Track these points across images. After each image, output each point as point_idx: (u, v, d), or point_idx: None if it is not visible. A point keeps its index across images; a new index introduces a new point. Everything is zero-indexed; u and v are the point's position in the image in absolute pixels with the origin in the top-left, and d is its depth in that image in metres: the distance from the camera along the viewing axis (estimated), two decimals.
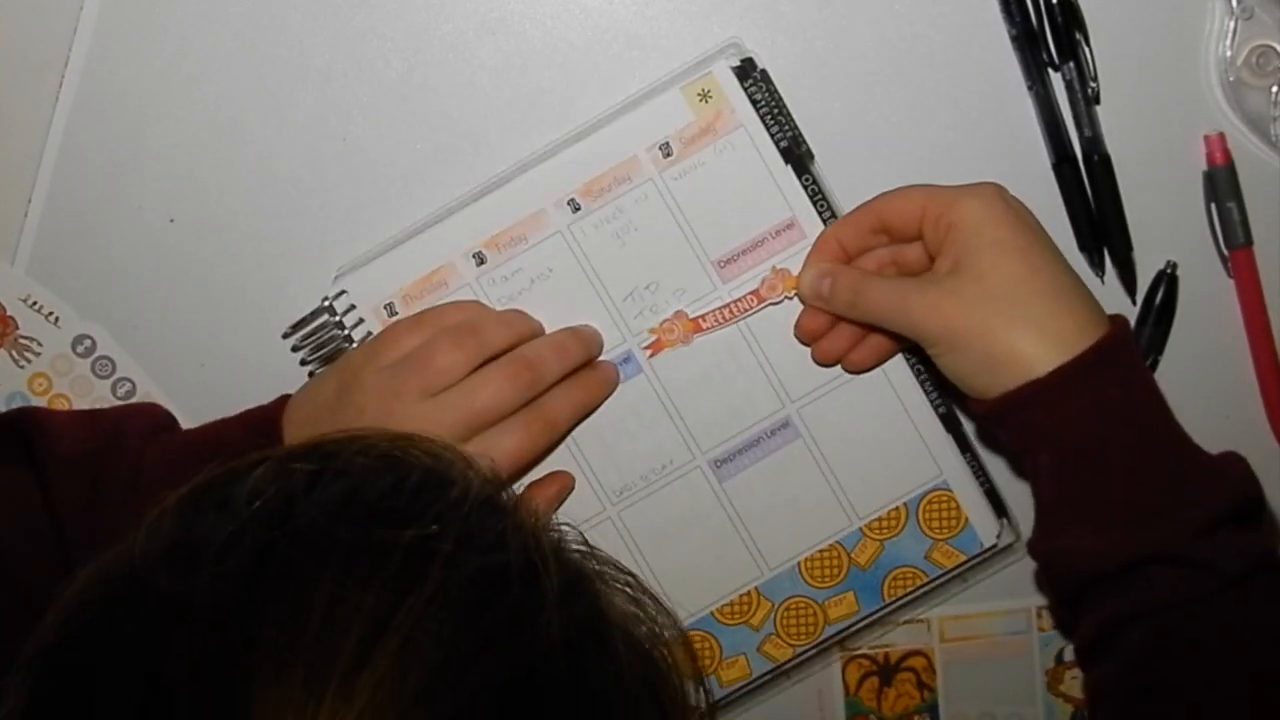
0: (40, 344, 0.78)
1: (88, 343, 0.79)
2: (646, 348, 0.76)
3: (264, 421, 0.74)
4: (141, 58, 0.76)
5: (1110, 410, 0.67)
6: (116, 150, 0.77)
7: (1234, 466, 0.69)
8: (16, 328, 0.78)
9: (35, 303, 0.78)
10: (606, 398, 0.77)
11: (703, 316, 0.76)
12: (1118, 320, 0.69)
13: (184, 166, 0.77)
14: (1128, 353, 0.69)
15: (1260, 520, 0.70)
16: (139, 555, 0.53)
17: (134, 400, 0.80)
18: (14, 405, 0.79)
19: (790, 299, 0.76)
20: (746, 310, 0.76)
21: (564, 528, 0.58)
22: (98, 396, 0.80)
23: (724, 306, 0.76)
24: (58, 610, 0.54)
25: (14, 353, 0.78)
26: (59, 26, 0.76)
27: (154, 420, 0.77)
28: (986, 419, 0.71)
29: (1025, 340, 0.67)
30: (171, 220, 0.77)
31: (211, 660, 0.49)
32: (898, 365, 0.77)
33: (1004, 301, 0.68)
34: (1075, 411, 0.67)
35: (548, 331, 0.76)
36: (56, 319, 0.78)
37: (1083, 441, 0.67)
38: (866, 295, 0.72)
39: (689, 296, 0.76)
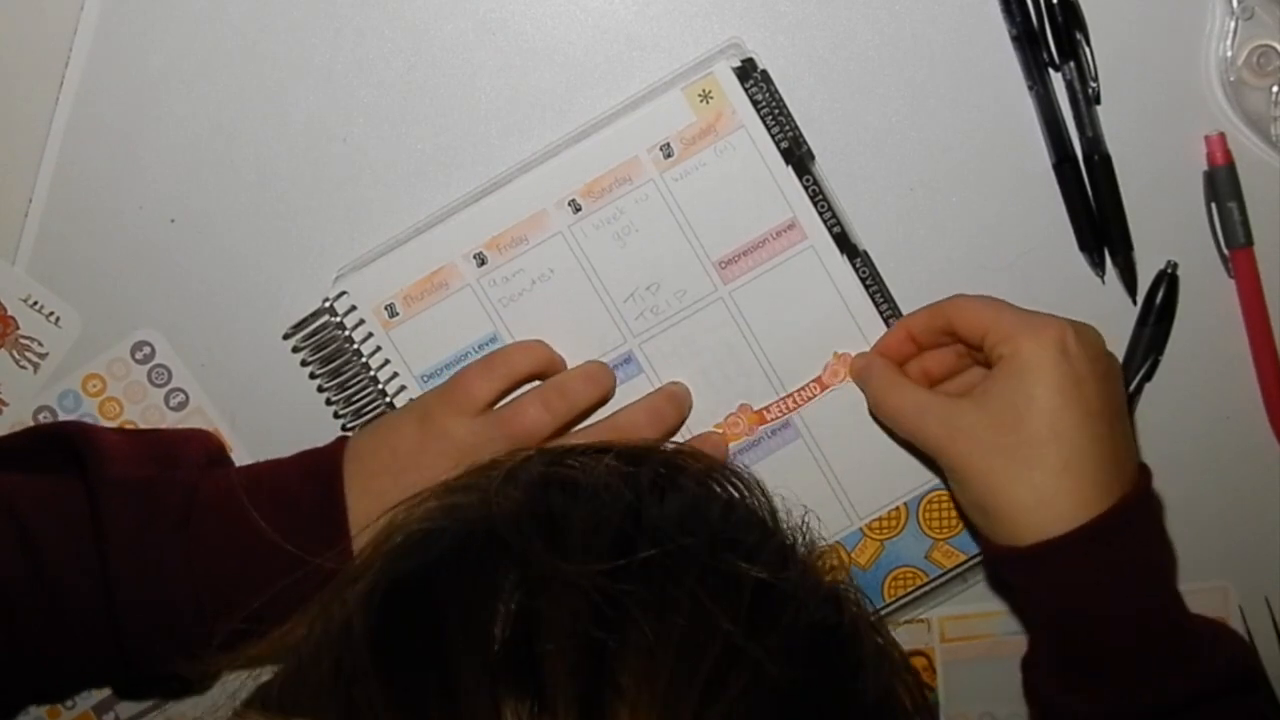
0: (40, 344, 0.78)
1: (147, 349, 0.79)
2: None
3: (323, 465, 0.73)
4: (141, 58, 0.76)
5: (1096, 585, 0.67)
6: (116, 150, 0.77)
7: (1228, 644, 0.71)
8: (17, 328, 0.78)
9: (35, 303, 0.78)
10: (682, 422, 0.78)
11: (766, 409, 0.77)
12: (1137, 485, 0.69)
13: (184, 166, 0.77)
14: (1126, 525, 0.68)
15: (1258, 686, 0.70)
16: (495, 510, 0.54)
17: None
18: (67, 403, 0.79)
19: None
20: (810, 398, 0.77)
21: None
22: (150, 403, 0.80)
23: (788, 396, 0.77)
24: (404, 541, 0.55)
25: (14, 353, 0.78)
26: (59, 26, 0.76)
27: (208, 451, 0.77)
28: (986, 561, 0.75)
29: (1022, 503, 0.67)
30: (172, 220, 0.77)
31: (581, 641, 0.49)
32: None
33: (1014, 459, 0.67)
34: (1059, 582, 0.67)
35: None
36: (57, 319, 0.78)
37: (1066, 610, 0.68)
38: (890, 398, 0.73)
39: (690, 297, 0.76)
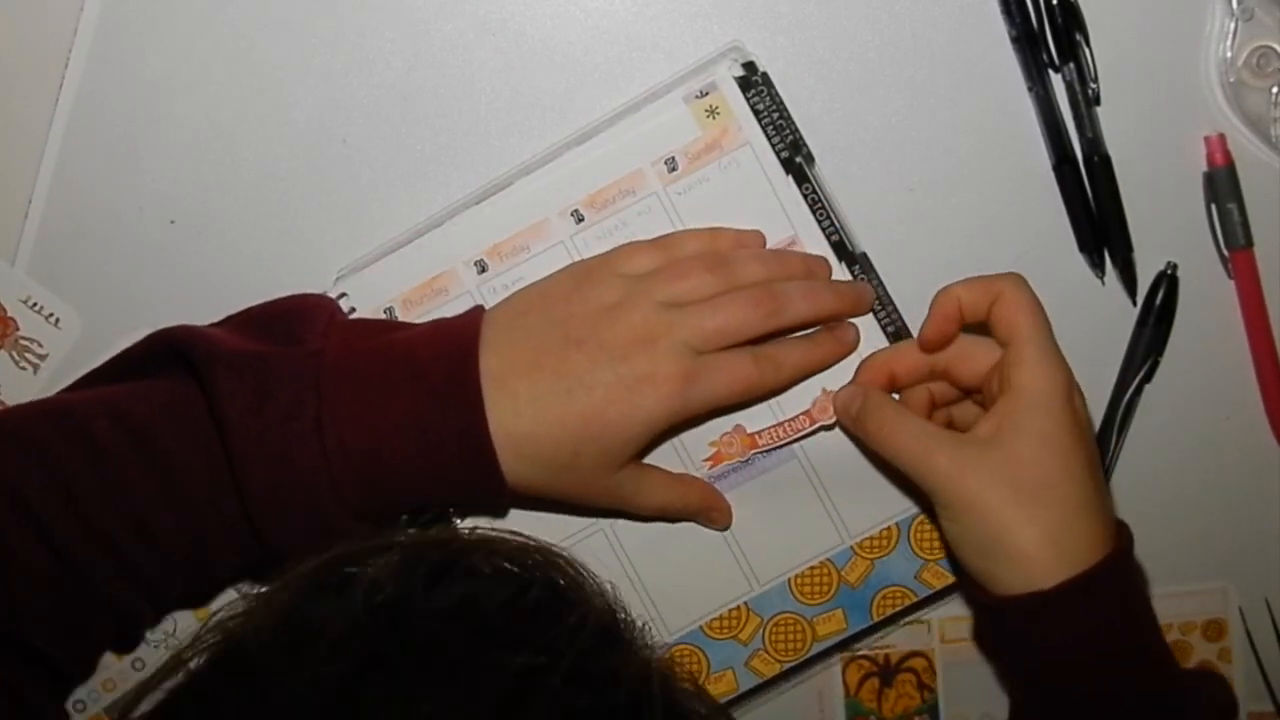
0: (40, 344, 0.78)
1: None
2: (707, 460, 0.77)
3: (455, 332, 0.70)
4: (141, 58, 0.76)
5: (1102, 632, 0.67)
6: (116, 150, 0.77)
7: (1215, 692, 0.73)
8: (17, 328, 0.78)
9: (35, 303, 0.78)
10: (841, 360, 0.75)
11: (759, 433, 0.76)
12: (1121, 537, 0.69)
13: (184, 167, 0.77)
14: (1126, 572, 0.69)
15: None
16: (246, 629, 0.53)
17: None
18: None
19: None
20: (800, 430, 0.76)
21: (674, 663, 0.57)
22: None
23: (778, 425, 0.76)
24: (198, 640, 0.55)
25: (14, 353, 0.78)
26: (59, 26, 0.76)
27: (328, 314, 0.73)
28: (984, 612, 0.72)
29: (1035, 544, 0.66)
30: (172, 221, 0.77)
31: None
32: None
33: (1029, 497, 0.66)
34: (1070, 630, 0.67)
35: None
36: (57, 320, 0.78)
37: (1072, 659, 0.68)
38: (893, 432, 0.70)
39: None
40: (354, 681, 0.49)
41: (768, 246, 0.75)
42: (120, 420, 0.68)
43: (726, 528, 0.77)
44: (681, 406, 0.69)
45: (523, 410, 0.68)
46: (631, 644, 0.56)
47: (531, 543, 0.58)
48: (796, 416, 0.76)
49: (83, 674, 0.73)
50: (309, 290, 0.76)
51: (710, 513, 0.76)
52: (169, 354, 0.71)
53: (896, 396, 0.75)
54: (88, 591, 0.67)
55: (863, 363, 0.75)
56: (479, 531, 0.59)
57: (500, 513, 0.76)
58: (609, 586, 0.57)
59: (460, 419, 0.68)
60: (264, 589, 0.57)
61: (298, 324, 0.71)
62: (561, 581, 0.56)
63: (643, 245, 0.74)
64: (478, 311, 0.72)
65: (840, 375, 0.76)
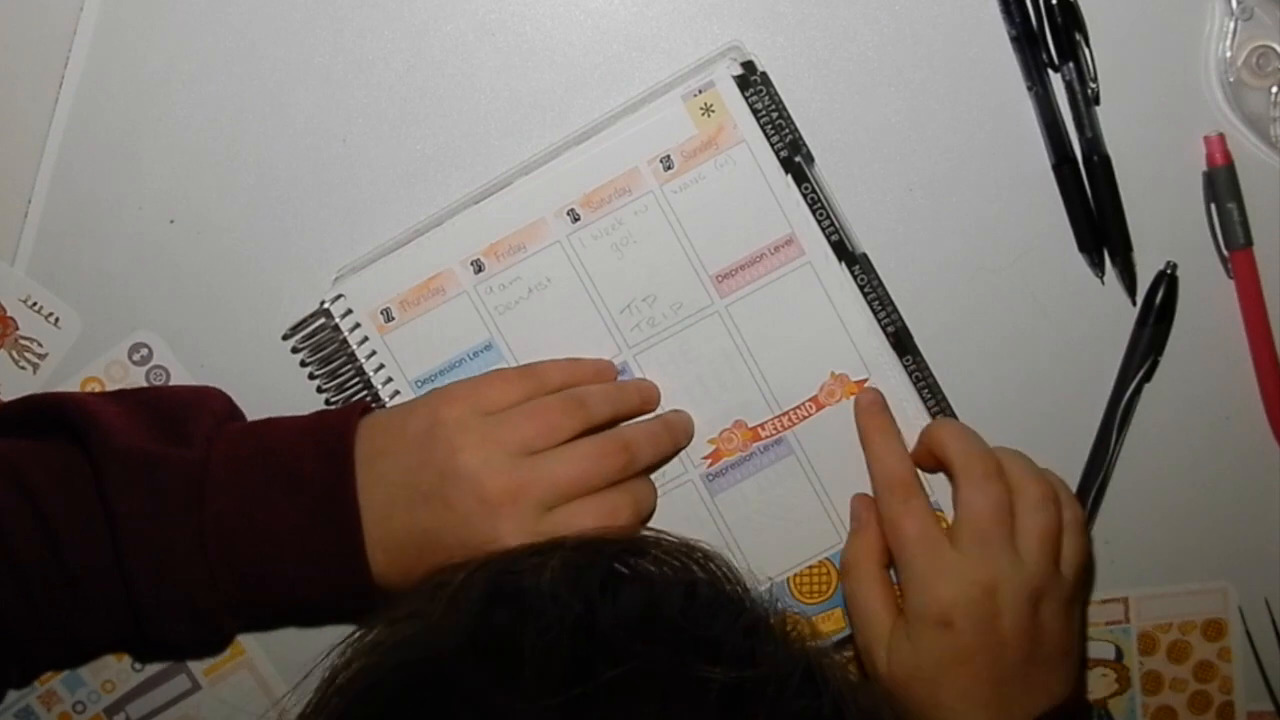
0: (40, 344, 0.78)
1: (144, 350, 0.78)
2: (706, 457, 0.77)
3: (335, 440, 0.72)
4: (141, 58, 0.76)
5: None
6: (116, 150, 0.77)
7: None
8: (16, 328, 0.78)
9: (35, 303, 0.78)
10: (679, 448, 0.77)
11: (761, 425, 0.77)
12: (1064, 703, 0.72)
13: (184, 166, 0.77)
14: None
15: None
16: (440, 642, 0.53)
17: None
18: None
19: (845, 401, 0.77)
20: (805, 416, 0.76)
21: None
22: None
23: (782, 415, 0.76)
24: (348, 685, 0.54)
25: (14, 353, 0.78)
26: (59, 26, 0.76)
27: (216, 416, 0.75)
28: None
29: None
30: (172, 221, 0.77)
31: None
32: (891, 382, 0.77)
33: (930, 710, 0.70)
34: None
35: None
36: (57, 319, 0.78)
37: None
38: (854, 583, 0.75)
39: (686, 310, 0.76)
40: (573, 701, 0.49)
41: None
42: (13, 478, 0.70)
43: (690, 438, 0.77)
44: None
45: (380, 546, 0.70)
46: (789, 636, 0.56)
47: (680, 539, 0.58)
48: (803, 404, 0.76)
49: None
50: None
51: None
52: (52, 421, 0.72)
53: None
54: None
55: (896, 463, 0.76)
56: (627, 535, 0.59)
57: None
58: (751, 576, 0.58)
59: (339, 535, 0.70)
60: (413, 610, 0.56)
61: (188, 420, 0.73)
62: (719, 574, 0.57)
63: (509, 376, 0.74)
64: (354, 416, 0.73)
65: (849, 360, 0.76)
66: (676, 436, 0.76)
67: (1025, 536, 0.72)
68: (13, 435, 0.72)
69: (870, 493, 0.76)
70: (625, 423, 0.75)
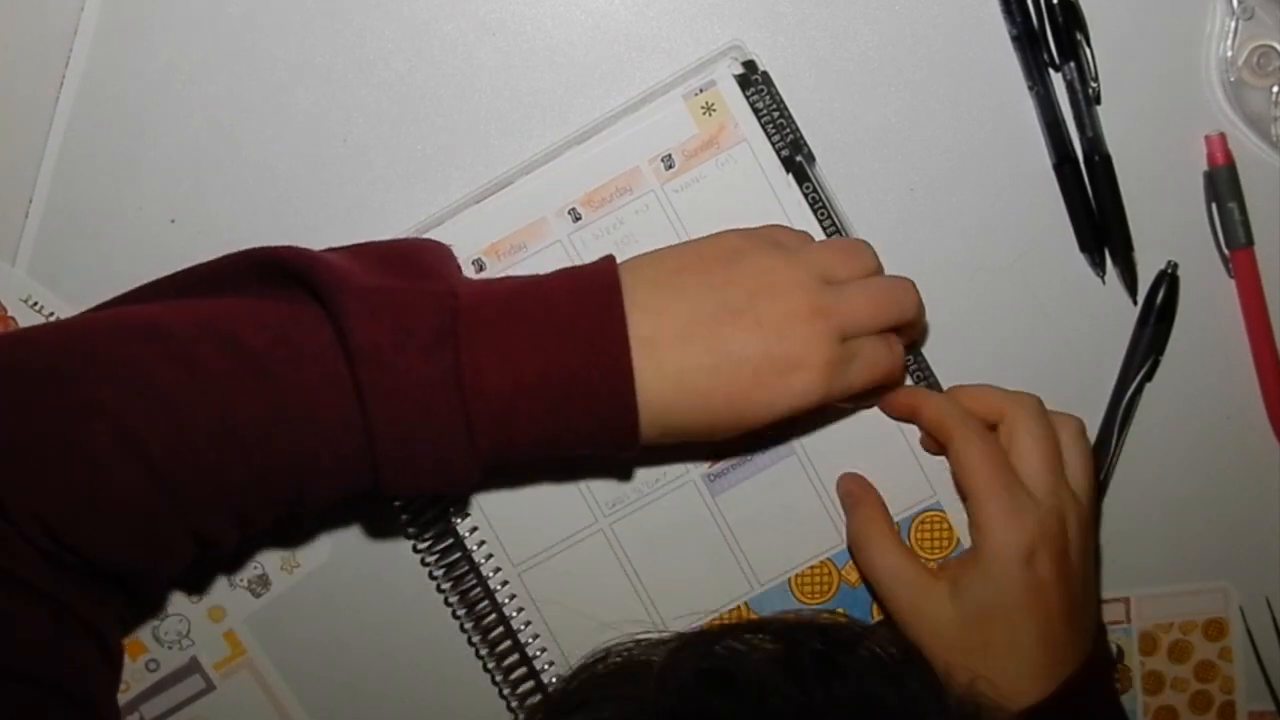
0: None
1: None
2: (707, 458, 0.77)
3: (595, 279, 0.67)
4: (142, 58, 0.76)
5: None
6: (116, 150, 0.77)
7: None
8: (16, 328, 0.78)
9: (35, 303, 0.78)
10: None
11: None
12: (1096, 651, 0.71)
13: (184, 166, 0.77)
14: (1095, 687, 0.72)
15: None
16: None
17: None
18: None
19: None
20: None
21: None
22: None
23: None
24: None
25: None
26: (59, 26, 0.76)
27: (452, 257, 0.71)
28: None
29: (974, 692, 0.67)
30: (172, 221, 0.77)
31: None
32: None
33: (973, 658, 0.68)
34: None
35: None
36: (57, 319, 0.78)
37: None
38: (868, 554, 0.73)
39: None
40: None
41: None
42: (230, 345, 0.63)
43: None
44: (825, 394, 0.68)
45: (667, 379, 0.66)
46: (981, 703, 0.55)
47: (899, 637, 0.58)
48: None
49: (152, 599, 0.71)
50: None
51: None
52: (272, 275, 0.66)
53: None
54: (180, 514, 0.63)
55: (900, 392, 0.75)
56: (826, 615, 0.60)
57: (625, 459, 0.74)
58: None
59: (605, 380, 0.65)
60: (618, 692, 0.54)
61: (428, 262, 0.68)
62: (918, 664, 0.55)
63: (787, 228, 0.73)
64: (611, 262, 0.68)
65: None
66: (920, 309, 0.73)
67: (1074, 471, 0.72)
68: (229, 293, 0.66)
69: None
70: None
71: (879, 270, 0.71)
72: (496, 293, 0.66)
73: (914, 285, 0.71)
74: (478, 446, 0.65)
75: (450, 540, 0.77)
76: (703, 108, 0.74)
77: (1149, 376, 0.79)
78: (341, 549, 0.80)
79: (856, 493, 0.76)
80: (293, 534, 0.79)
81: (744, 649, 0.53)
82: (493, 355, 0.64)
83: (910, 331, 0.74)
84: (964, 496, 0.71)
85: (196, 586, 0.80)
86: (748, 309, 0.66)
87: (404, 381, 0.62)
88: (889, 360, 0.70)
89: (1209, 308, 0.79)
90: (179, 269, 0.69)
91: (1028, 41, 0.76)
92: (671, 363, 0.66)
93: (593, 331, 0.65)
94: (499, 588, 0.77)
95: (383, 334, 0.62)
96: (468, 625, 0.78)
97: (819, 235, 0.75)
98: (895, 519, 0.77)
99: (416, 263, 0.68)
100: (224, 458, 0.62)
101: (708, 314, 0.66)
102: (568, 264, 0.71)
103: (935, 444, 0.75)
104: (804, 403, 0.67)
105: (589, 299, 0.66)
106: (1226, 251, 0.78)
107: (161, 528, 0.63)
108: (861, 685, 0.52)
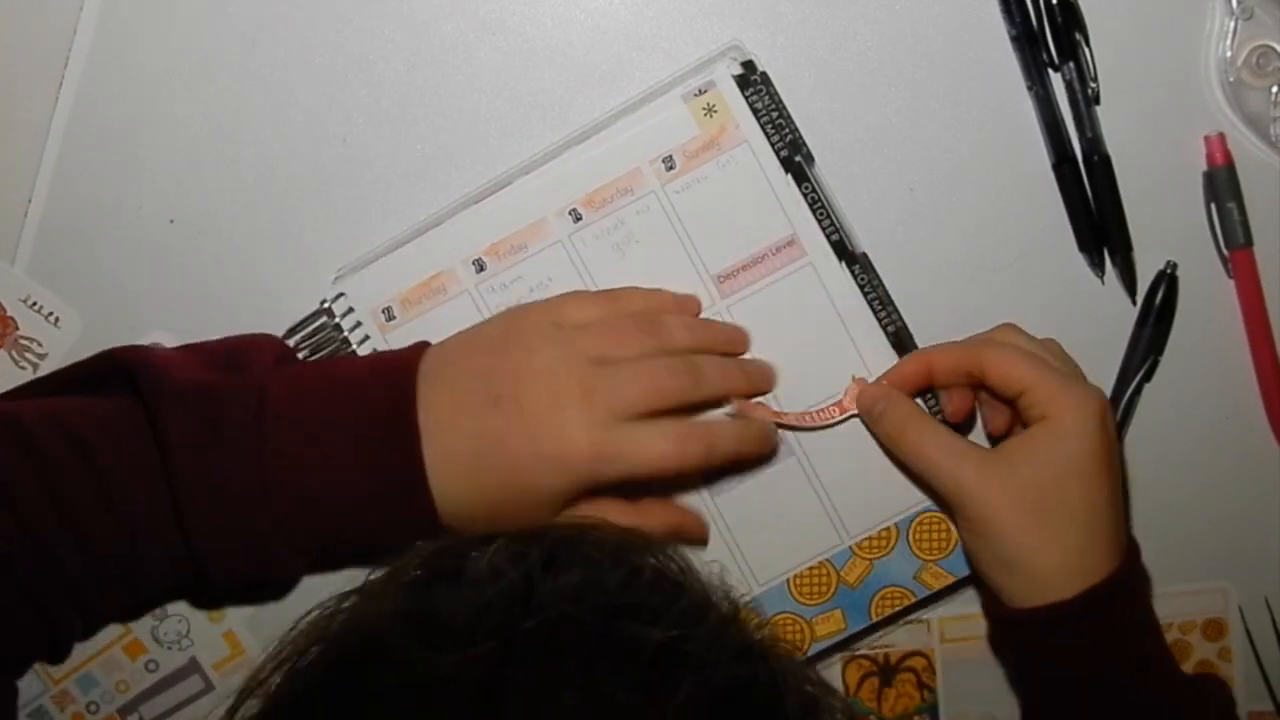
0: (40, 344, 0.78)
1: None
2: None
3: (395, 367, 0.71)
4: (141, 58, 0.76)
5: (1112, 642, 0.70)
6: (116, 150, 0.77)
7: (1216, 691, 0.74)
8: (16, 328, 0.78)
9: (35, 303, 0.78)
10: (764, 451, 0.75)
11: (783, 413, 0.76)
12: (1129, 549, 0.72)
13: (184, 166, 0.77)
14: (1134, 584, 0.72)
15: None
16: (374, 621, 0.53)
17: None
18: None
19: None
20: (829, 419, 0.76)
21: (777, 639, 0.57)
22: None
23: (805, 412, 0.76)
24: (286, 670, 0.55)
25: (14, 353, 0.78)
26: (59, 26, 0.76)
27: (274, 351, 0.75)
28: (997, 621, 0.74)
29: (1053, 566, 0.69)
30: (172, 221, 0.77)
31: None
32: None
33: (1051, 521, 0.69)
34: (1080, 640, 0.69)
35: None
36: (56, 319, 0.78)
37: (1082, 667, 0.70)
38: (915, 436, 0.72)
39: None
40: (498, 666, 0.49)
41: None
42: (65, 432, 0.68)
43: (704, 543, 0.77)
44: (590, 480, 0.69)
45: (446, 464, 0.68)
46: (745, 622, 0.56)
47: (630, 532, 0.58)
48: (827, 407, 0.76)
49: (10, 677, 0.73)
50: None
51: (677, 536, 0.75)
52: (116, 374, 0.71)
53: (920, 403, 0.76)
54: (20, 592, 0.67)
55: (902, 361, 0.75)
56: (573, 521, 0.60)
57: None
58: (716, 567, 0.59)
59: (400, 464, 0.68)
60: (360, 589, 0.57)
61: (250, 359, 0.72)
62: (672, 564, 0.56)
63: (588, 296, 0.74)
64: (419, 348, 0.72)
65: (850, 361, 0.76)
66: (751, 377, 0.75)
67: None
68: (75, 392, 0.71)
69: (875, 501, 0.77)
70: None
71: (665, 348, 0.72)
72: (306, 383, 0.70)
73: (710, 360, 0.72)
74: (289, 530, 0.68)
75: None
76: (704, 109, 0.74)
77: (1148, 377, 0.79)
78: None
79: (876, 393, 0.75)
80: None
81: (477, 553, 0.54)
82: (295, 444, 0.68)
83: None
84: (1015, 398, 0.71)
85: None
86: (509, 394, 0.68)
87: (209, 471, 0.67)
88: (663, 451, 0.69)
89: (1208, 308, 0.79)
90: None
91: (1027, 42, 0.76)
92: (444, 449, 0.68)
93: (387, 421, 0.68)
94: None
95: (192, 426, 0.67)
96: None
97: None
98: (894, 520, 0.78)
99: (240, 359, 0.72)
100: (53, 533, 0.67)
101: (473, 403, 0.69)
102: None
103: (962, 402, 0.74)
104: (566, 490, 0.68)
105: (386, 391, 0.69)
106: (1226, 252, 0.78)
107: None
108: (589, 570, 0.53)
